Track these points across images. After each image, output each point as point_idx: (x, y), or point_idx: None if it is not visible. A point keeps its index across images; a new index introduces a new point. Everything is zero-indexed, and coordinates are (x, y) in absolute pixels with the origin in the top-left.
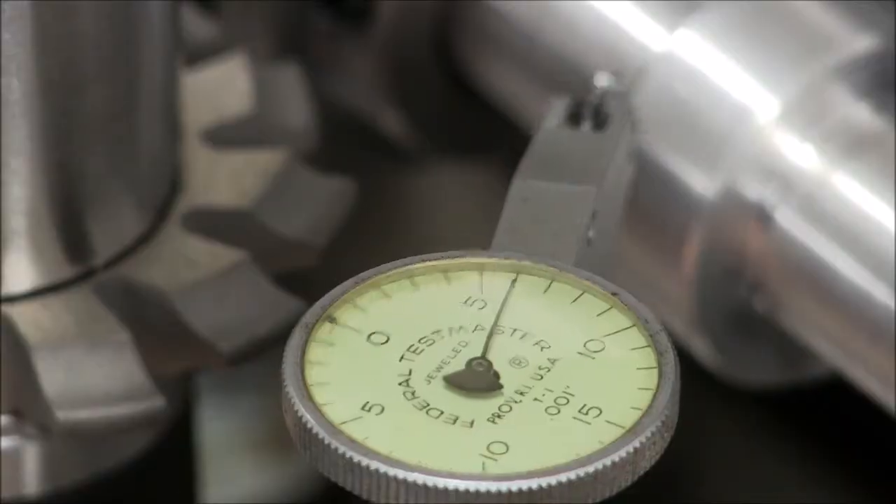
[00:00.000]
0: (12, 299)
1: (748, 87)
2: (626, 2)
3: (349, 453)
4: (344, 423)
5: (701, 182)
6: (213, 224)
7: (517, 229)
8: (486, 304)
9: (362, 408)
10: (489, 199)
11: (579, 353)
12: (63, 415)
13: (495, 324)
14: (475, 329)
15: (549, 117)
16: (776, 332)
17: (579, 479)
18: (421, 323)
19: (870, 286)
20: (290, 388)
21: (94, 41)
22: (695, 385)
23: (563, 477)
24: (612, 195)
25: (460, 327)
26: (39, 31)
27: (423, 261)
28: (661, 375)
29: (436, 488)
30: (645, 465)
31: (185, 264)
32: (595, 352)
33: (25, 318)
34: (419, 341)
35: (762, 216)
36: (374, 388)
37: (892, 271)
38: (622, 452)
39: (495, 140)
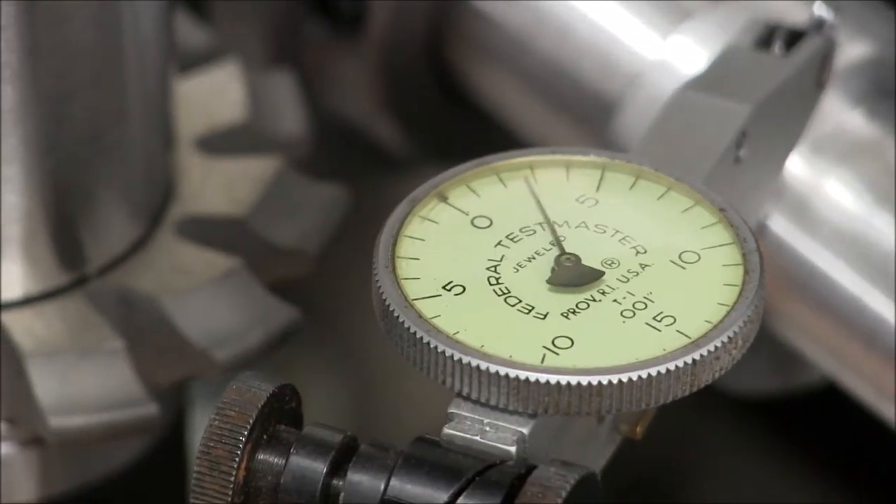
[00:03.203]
0: (5, 307)
1: None
2: (619, 9)
3: (413, 328)
4: (418, 299)
5: None
6: (206, 231)
7: (662, 135)
8: (597, 202)
9: (444, 286)
10: None
11: (672, 261)
12: (56, 422)
13: (602, 224)
14: (578, 226)
15: (742, 36)
16: (769, 339)
17: (632, 382)
18: (527, 213)
19: (863, 293)
20: (378, 259)
21: (86, 49)
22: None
23: (615, 377)
24: (781, 120)
25: (565, 222)
26: (32, 38)
27: (547, 153)
28: (740, 293)
29: (488, 372)
30: (706, 378)
31: (179, 272)
32: (688, 263)
33: (19, 325)
34: (520, 230)
35: (755, 224)
36: (462, 269)
37: (886, 278)
38: (679, 362)
39: (488, 147)
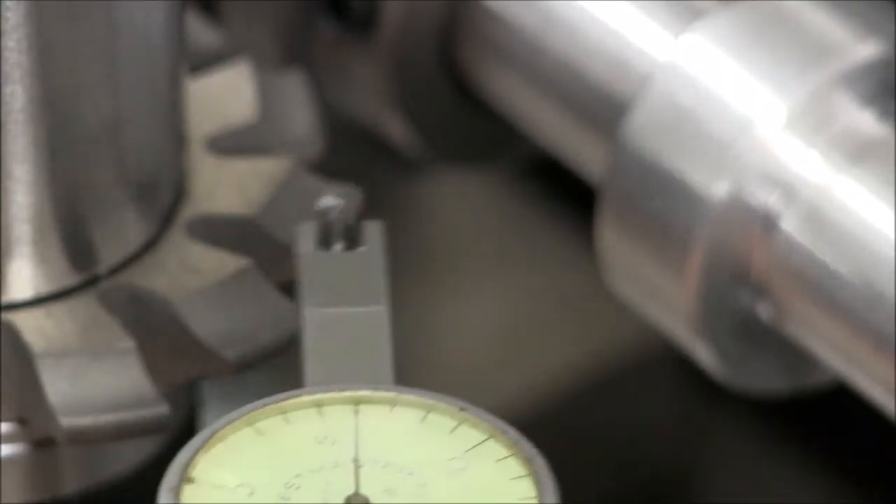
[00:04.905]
0: (16, 307)
1: (753, 94)
2: (630, 9)
3: None
4: None
5: (705, 190)
6: (217, 231)
7: (327, 359)
8: (336, 440)
9: None
10: (493, 206)
11: (446, 472)
12: (67, 422)
13: (356, 458)
14: (335, 466)
15: (301, 243)
16: (780, 339)
17: None
18: (281, 469)
19: (874, 294)
20: None
21: (98, 48)
22: (698, 392)
23: None
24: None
25: (320, 467)
26: (43, 38)
27: (264, 404)
28: (538, 482)
29: None
30: None
31: (190, 272)
32: (461, 469)
33: (29, 325)
34: (285, 488)
35: (767, 224)
36: None
37: None
38: None
39: (499, 148)
